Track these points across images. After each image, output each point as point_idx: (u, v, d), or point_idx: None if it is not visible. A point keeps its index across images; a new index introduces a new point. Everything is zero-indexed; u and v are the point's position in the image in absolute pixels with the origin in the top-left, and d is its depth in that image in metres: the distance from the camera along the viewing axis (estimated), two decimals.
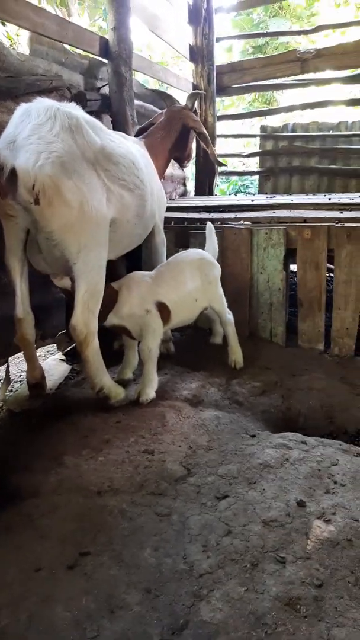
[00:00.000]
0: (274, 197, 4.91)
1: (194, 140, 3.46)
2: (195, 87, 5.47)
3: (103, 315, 2.47)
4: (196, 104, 3.45)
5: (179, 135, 3.28)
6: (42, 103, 2.20)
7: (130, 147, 2.72)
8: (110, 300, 2.49)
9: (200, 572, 1.49)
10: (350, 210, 3.52)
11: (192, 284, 2.77)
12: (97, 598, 1.40)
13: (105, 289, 2.39)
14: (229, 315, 2.97)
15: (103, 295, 2.38)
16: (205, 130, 3.37)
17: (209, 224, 3.11)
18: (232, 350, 2.99)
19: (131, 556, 1.55)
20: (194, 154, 5.73)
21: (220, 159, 5.79)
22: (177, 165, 5.46)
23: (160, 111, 3.39)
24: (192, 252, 2.95)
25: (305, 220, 3.26)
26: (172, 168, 5.32)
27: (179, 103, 3.38)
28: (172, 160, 5.00)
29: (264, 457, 2.02)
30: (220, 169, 6.68)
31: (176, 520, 1.71)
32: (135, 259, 3.25)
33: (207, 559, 1.53)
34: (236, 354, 2.99)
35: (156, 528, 1.67)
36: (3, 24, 5.94)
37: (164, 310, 2.64)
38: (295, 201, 4.06)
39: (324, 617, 1.33)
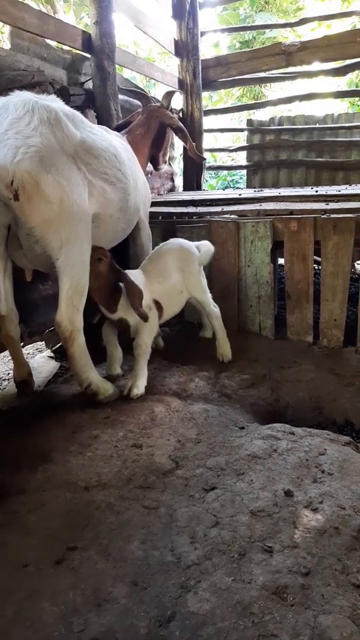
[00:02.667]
0: (261, 190, 4.90)
1: (173, 138, 3.45)
2: (180, 82, 5.44)
3: (112, 307, 2.53)
4: (177, 100, 3.44)
5: (156, 133, 3.29)
6: (20, 96, 2.17)
7: (113, 141, 2.69)
8: (118, 294, 2.52)
9: (187, 564, 1.48)
10: (337, 202, 3.52)
11: (176, 276, 2.78)
12: (84, 592, 1.40)
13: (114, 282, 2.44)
14: (215, 308, 2.96)
15: (111, 288, 2.39)
16: (182, 125, 3.36)
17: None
18: (219, 343, 2.99)
19: (118, 550, 1.55)
20: (176, 153, 5.75)
21: (203, 154, 5.80)
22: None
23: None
24: (172, 243, 2.93)
25: (291, 212, 3.26)
26: None
27: (155, 102, 3.40)
28: None
29: (252, 449, 2.03)
30: (208, 163, 6.67)
31: (164, 513, 1.71)
32: (121, 255, 3.23)
33: (194, 551, 1.53)
34: (224, 348, 2.98)
35: (144, 521, 1.67)
36: None
37: (158, 306, 2.67)
38: (282, 194, 4.06)
39: (311, 605, 1.33)
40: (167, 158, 3.50)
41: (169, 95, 3.39)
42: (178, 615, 1.33)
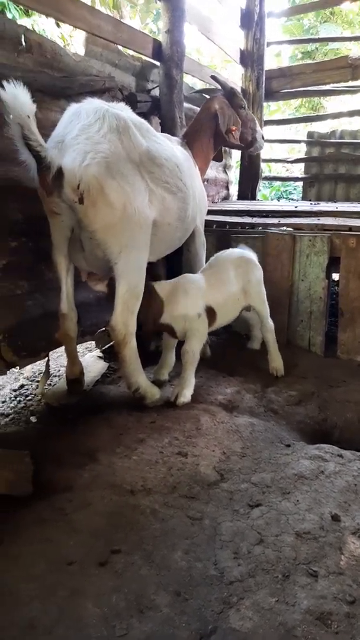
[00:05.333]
0: (318, 204, 4.84)
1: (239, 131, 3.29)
2: (243, 91, 5.45)
3: (150, 321, 2.49)
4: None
5: (213, 126, 3.13)
6: (92, 104, 2.24)
7: (175, 150, 2.72)
8: (158, 304, 2.51)
9: (230, 579, 1.47)
10: None
11: (235, 283, 2.77)
12: (127, 597, 1.41)
13: (152, 295, 2.41)
14: (270, 322, 2.94)
15: (149, 302, 2.39)
16: (220, 110, 3.12)
17: None
18: (272, 357, 2.96)
19: (162, 557, 1.55)
20: (232, 161, 5.71)
21: (260, 165, 5.73)
22: (222, 168, 5.50)
23: None
24: (234, 251, 2.94)
25: (350, 228, 3.20)
26: (216, 172, 5.33)
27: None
28: (217, 164, 4.99)
29: (298, 468, 1.99)
30: (264, 173, 6.63)
31: (208, 525, 1.70)
32: (175, 262, 3.26)
33: (238, 567, 1.52)
34: (277, 362, 2.96)
35: (188, 531, 1.67)
36: (58, 26, 6.08)
37: (211, 314, 2.66)
38: (340, 209, 3.99)
39: (356, 635, 1.30)
40: (237, 135, 3.25)
41: (215, 79, 3.27)
42: (219, 631, 1.32)
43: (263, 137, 3.58)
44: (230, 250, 2.97)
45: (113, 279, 2.31)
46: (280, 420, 2.56)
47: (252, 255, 2.94)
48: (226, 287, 2.74)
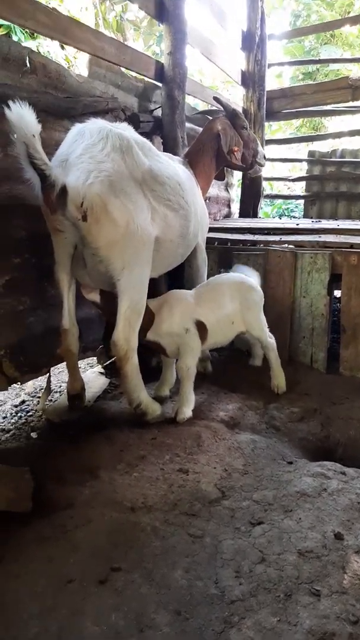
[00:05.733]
0: (319, 221, 4.87)
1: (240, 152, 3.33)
2: (245, 111, 5.53)
3: (142, 332, 2.49)
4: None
5: (215, 145, 3.18)
6: (96, 124, 2.28)
7: (177, 169, 2.76)
8: (148, 318, 2.51)
9: (231, 599, 1.46)
10: None
11: (230, 306, 2.76)
12: (126, 615, 1.39)
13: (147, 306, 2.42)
14: (271, 340, 2.93)
15: (146, 311, 2.41)
16: (222, 131, 3.17)
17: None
18: (274, 374, 2.95)
19: (162, 576, 1.53)
20: (233, 180, 5.76)
21: (262, 184, 5.78)
22: (223, 186, 5.55)
23: None
24: (234, 276, 2.95)
25: (352, 245, 3.22)
26: (218, 190, 5.38)
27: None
28: (219, 183, 5.04)
29: (301, 485, 1.98)
30: (266, 192, 6.69)
31: (209, 543, 1.69)
32: (177, 278, 3.28)
33: (239, 586, 1.50)
34: (279, 379, 2.95)
35: (188, 549, 1.65)
36: (62, 48, 6.21)
37: (202, 329, 2.64)
38: (341, 226, 4.02)
39: None
40: (239, 156, 3.32)
41: (217, 100, 3.33)
42: None
43: (265, 157, 3.63)
44: (231, 274, 2.98)
45: (107, 291, 2.33)
46: (282, 437, 2.55)
47: (252, 281, 2.92)
48: (219, 306, 2.72)
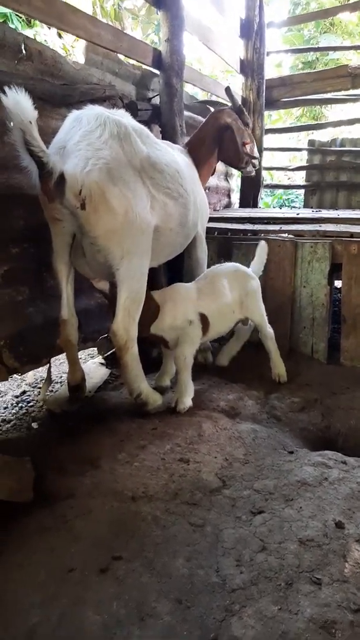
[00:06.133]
0: (319, 211, 4.85)
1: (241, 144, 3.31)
2: (244, 100, 5.48)
3: (145, 327, 2.47)
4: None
5: (220, 137, 3.19)
6: (93, 110, 2.25)
7: (176, 156, 2.74)
8: (152, 313, 2.50)
9: (232, 587, 1.45)
10: None
11: (230, 295, 2.76)
12: (127, 604, 1.39)
13: (147, 301, 2.40)
14: (269, 329, 2.93)
15: (145, 307, 2.39)
16: (234, 123, 3.18)
17: (262, 242, 3.06)
18: (274, 364, 2.95)
19: (163, 565, 1.53)
20: (234, 170, 5.72)
21: (262, 172, 5.75)
22: (223, 176, 5.51)
23: None
24: (228, 265, 2.94)
25: (352, 235, 3.20)
26: (218, 180, 5.34)
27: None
28: (218, 172, 5.01)
29: (302, 475, 1.97)
30: (265, 181, 6.65)
31: (210, 532, 1.68)
32: (176, 268, 3.26)
33: (240, 574, 1.50)
34: (279, 368, 2.95)
35: (189, 538, 1.65)
36: (60, 36, 6.14)
37: (204, 321, 2.64)
38: (341, 216, 3.99)
39: None
40: (245, 158, 3.31)
41: (228, 91, 3.31)
42: (221, 639, 1.30)
43: (260, 162, 3.63)
44: (226, 264, 2.97)
45: (114, 283, 2.31)
46: (283, 427, 2.54)
47: (247, 269, 2.92)
48: (220, 297, 2.72)
